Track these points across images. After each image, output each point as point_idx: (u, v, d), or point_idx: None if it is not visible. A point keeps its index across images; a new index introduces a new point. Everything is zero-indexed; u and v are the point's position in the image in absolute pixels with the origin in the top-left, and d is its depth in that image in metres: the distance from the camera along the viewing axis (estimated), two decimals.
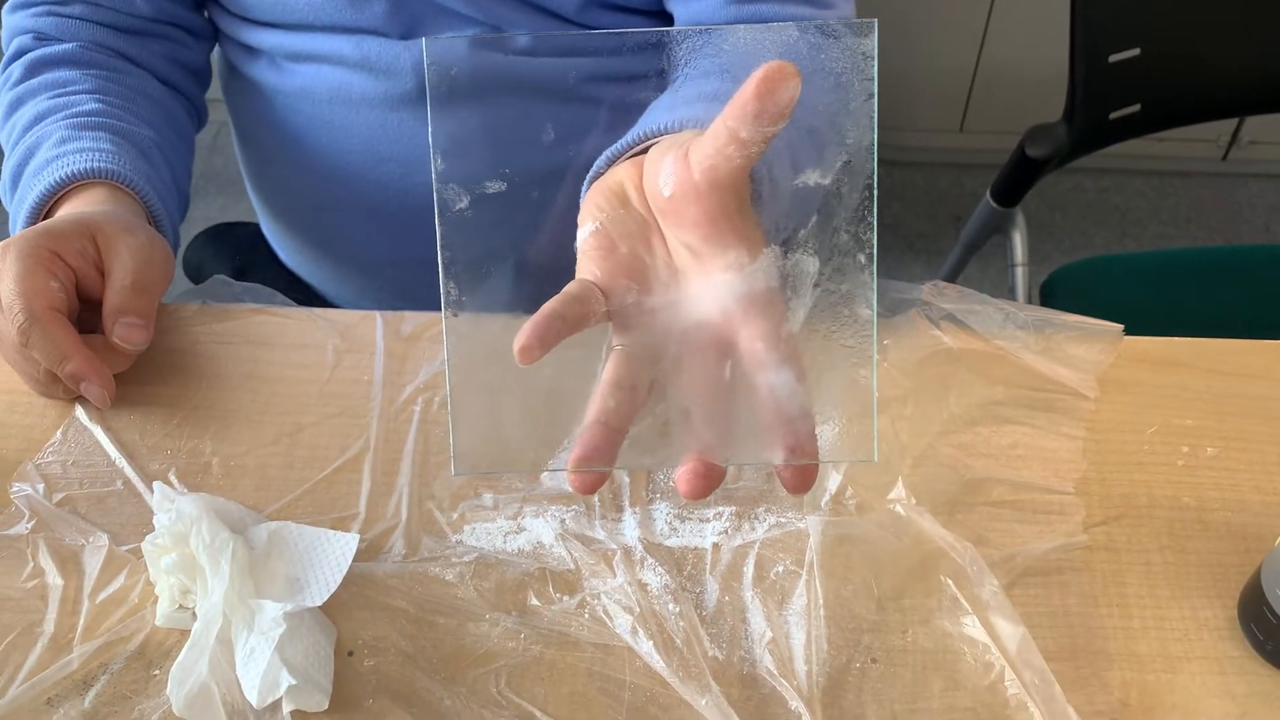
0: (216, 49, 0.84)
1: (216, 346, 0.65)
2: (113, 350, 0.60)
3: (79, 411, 0.61)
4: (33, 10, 0.76)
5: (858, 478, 0.58)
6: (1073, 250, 1.77)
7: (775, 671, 0.52)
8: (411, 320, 0.66)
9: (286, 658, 0.49)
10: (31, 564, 0.55)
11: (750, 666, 0.52)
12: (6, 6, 0.77)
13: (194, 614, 0.52)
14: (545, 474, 0.58)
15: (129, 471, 0.59)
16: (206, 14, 0.82)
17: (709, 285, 0.45)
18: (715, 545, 0.56)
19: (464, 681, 0.52)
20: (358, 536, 0.54)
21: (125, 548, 0.56)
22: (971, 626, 0.53)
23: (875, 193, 0.44)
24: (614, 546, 0.56)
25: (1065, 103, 1.05)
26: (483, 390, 0.47)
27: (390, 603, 0.54)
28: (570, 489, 0.44)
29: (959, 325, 0.64)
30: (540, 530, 0.57)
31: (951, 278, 1.27)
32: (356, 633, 0.53)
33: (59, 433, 0.61)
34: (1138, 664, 0.52)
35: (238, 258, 0.96)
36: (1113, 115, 1.07)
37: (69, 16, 0.75)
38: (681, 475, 0.42)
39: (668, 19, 0.75)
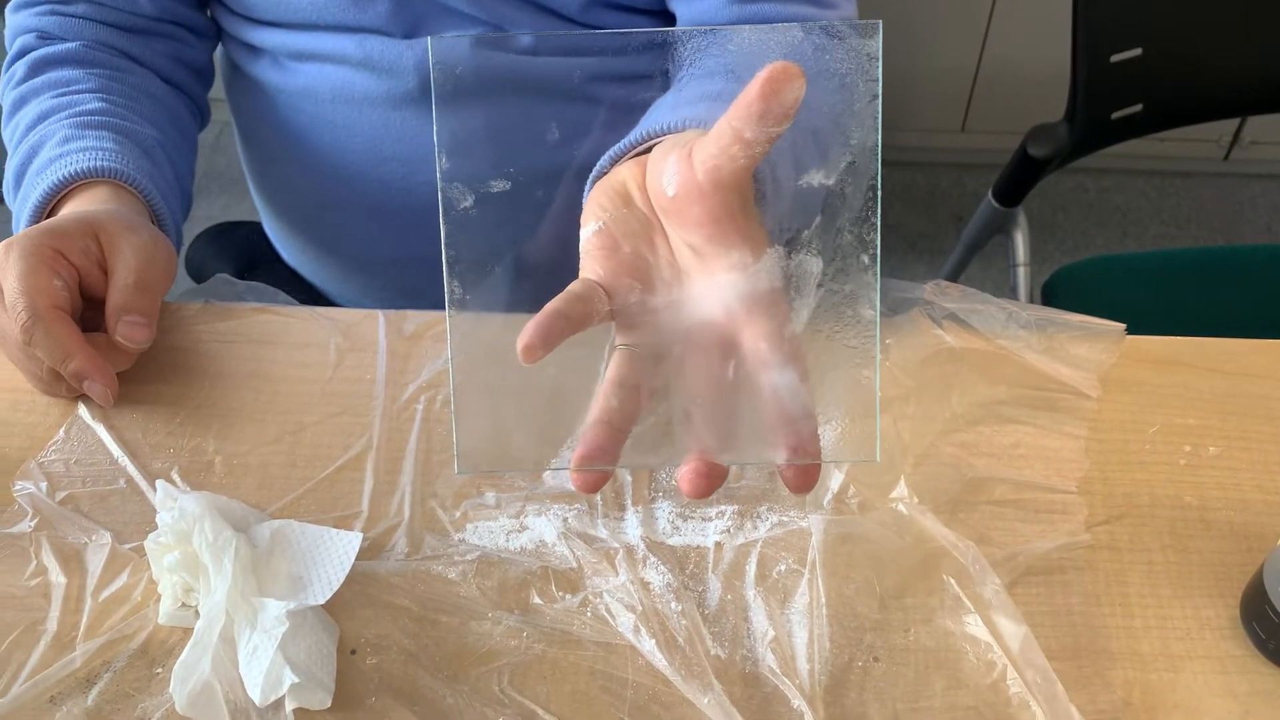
0: (219, 48, 0.84)
1: (219, 345, 0.65)
2: (115, 349, 0.61)
3: (82, 410, 0.62)
4: (36, 9, 0.76)
5: (860, 476, 0.58)
6: (1074, 250, 1.77)
7: (777, 670, 0.52)
8: (414, 319, 0.66)
9: (289, 656, 0.49)
10: (34, 562, 0.55)
11: (752, 665, 0.52)
12: (10, 5, 0.77)
13: (197, 612, 0.52)
14: (548, 473, 0.58)
15: (132, 470, 0.59)
16: (209, 13, 0.82)
17: (712, 285, 0.45)
18: (718, 544, 0.56)
19: (466, 680, 0.52)
20: (360, 535, 0.54)
21: (128, 546, 0.56)
22: (974, 625, 0.53)
23: (879, 193, 0.44)
24: (616, 545, 0.56)
25: (1067, 103, 1.05)
26: (486, 389, 0.47)
27: (393, 601, 0.54)
28: (573, 488, 0.44)
29: (961, 324, 0.64)
30: (543, 529, 0.57)
31: (953, 277, 1.27)
32: (359, 631, 0.53)
33: (62, 431, 0.61)
34: (1140, 663, 0.52)
35: (240, 257, 0.96)
36: (1114, 115, 1.07)
37: (72, 15, 0.75)
38: (684, 475, 0.42)
39: (670, 19, 0.75)
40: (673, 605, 0.54)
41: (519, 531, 0.57)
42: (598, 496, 0.58)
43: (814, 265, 0.45)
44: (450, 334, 0.47)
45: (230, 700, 0.50)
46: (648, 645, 0.52)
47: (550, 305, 0.44)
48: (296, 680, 0.49)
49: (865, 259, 0.45)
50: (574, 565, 0.55)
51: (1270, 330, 0.69)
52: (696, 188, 0.43)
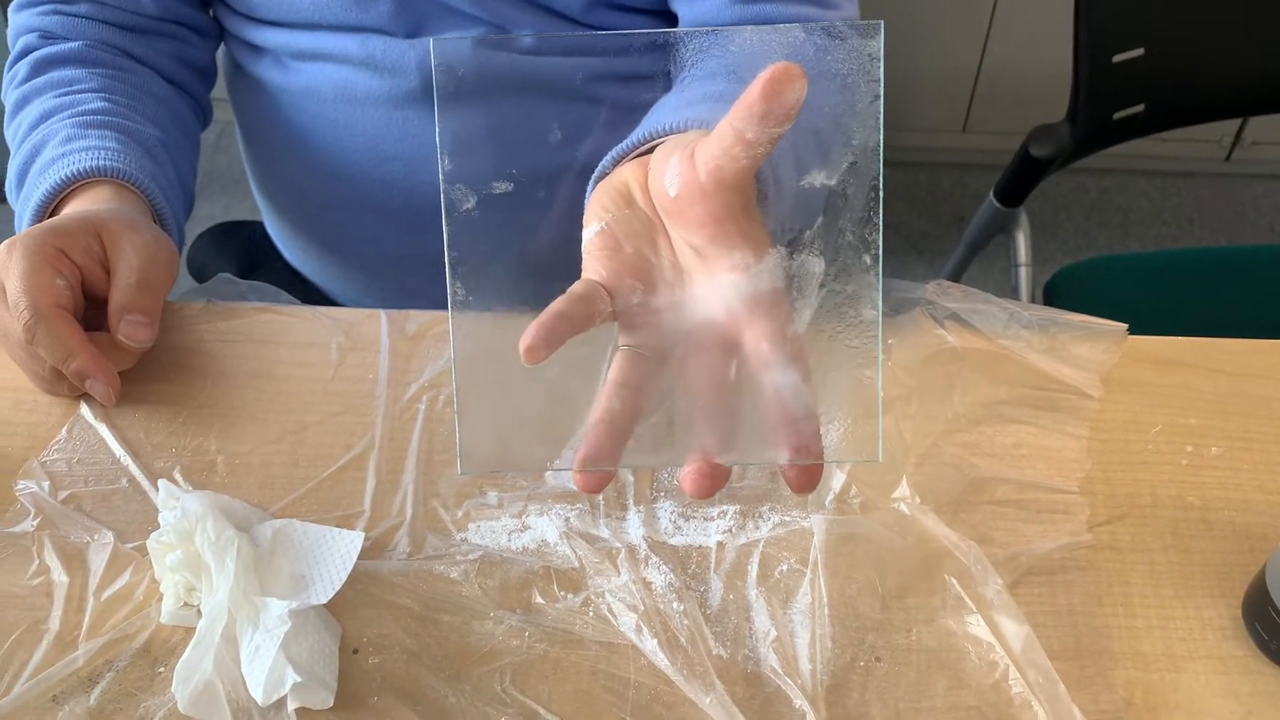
0: (222, 48, 0.85)
1: (221, 345, 0.65)
2: (118, 348, 0.61)
3: (84, 409, 0.62)
4: (39, 9, 0.76)
5: (862, 476, 0.58)
6: (1076, 250, 1.77)
7: (779, 670, 0.52)
8: (416, 318, 0.66)
9: (291, 655, 0.49)
10: (37, 561, 0.55)
11: (754, 665, 0.52)
12: (13, 5, 0.77)
13: (199, 611, 0.52)
14: (550, 473, 0.58)
15: (134, 469, 0.59)
16: (212, 13, 0.82)
17: (714, 286, 0.45)
18: (719, 544, 0.56)
19: (468, 679, 0.52)
20: (362, 534, 0.54)
21: (130, 545, 0.56)
22: (976, 625, 0.53)
23: (881, 194, 0.44)
24: (618, 545, 0.56)
25: (1068, 103, 1.05)
26: (488, 389, 0.47)
27: (395, 600, 0.54)
28: (575, 488, 0.44)
29: (963, 324, 0.64)
30: (545, 528, 0.57)
31: (955, 278, 1.27)
32: (361, 630, 0.53)
33: (64, 430, 0.61)
34: (1142, 663, 0.52)
35: (242, 256, 0.96)
36: (1116, 115, 1.07)
37: (75, 15, 0.75)
38: (686, 475, 0.43)
39: (672, 19, 0.75)
40: (675, 605, 0.54)
41: (521, 531, 0.57)
42: (600, 496, 0.58)
43: (816, 266, 0.45)
44: (453, 335, 0.47)
45: (232, 700, 0.50)
46: (650, 645, 0.52)
47: (552, 306, 0.44)
48: (299, 680, 0.49)
49: (867, 259, 0.45)
50: (576, 565, 0.56)
51: (1272, 330, 0.69)
52: (698, 188, 0.43)
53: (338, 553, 0.53)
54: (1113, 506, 0.58)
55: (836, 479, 0.58)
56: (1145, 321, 0.65)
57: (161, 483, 0.56)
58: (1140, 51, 1.02)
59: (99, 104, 0.71)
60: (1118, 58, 1.02)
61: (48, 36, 0.75)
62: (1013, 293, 1.18)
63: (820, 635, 0.53)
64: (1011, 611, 0.53)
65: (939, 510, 0.57)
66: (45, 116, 0.70)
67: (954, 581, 0.54)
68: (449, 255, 0.46)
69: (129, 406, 0.62)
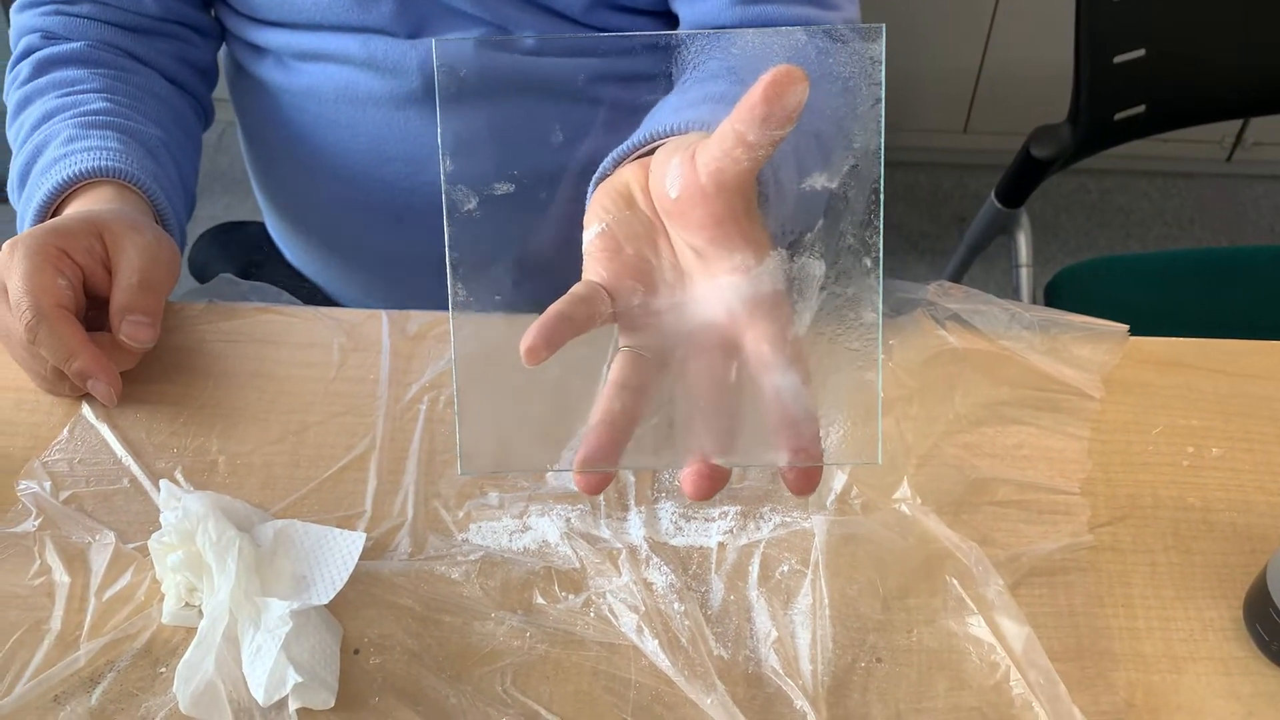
0: (223, 48, 0.85)
1: (223, 345, 0.65)
2: (119, 348, 0.61)
3: (86, 409, 0.62)
4: (41, 9, 0.76)
5: (863, 477, 0.58)
6: (1077, 251, 1.77)
7: (780, 671, 0.52)
8: (417, 319, 0.66)
9: (293, 655, 0.49)
10: (38, 561, 0.55)
11: (755, 666, 0.52)
12: (15, 5, 0.77)
13: (200, 612, 0.52)
14: (550, 473, 0.58)
15: (135, 469, 0.59)
16: (214, 13, 0.82)
17: (715, 287, 0.45)
18: (720, 544, 0.56)
19: (469, 680, 0.52)
20: (364, 535, 0.54)
21: (132, 545, 0.56)
22: (977, 626, 0.53)
23: (882, 197, 0.44)
24: (619, 545, 0.56)
25: (1070, 103, 1.05)
26: (489, 390, 0.47)
27: (396, 601, 0.54)
28: (576, 488, 0.44)
29: (964, 325, 0.64)
30: (546, 529, 0.57)
31: (956, 278, 1.27)
32: (362, 631, 0.53)
33: (66, 430, 0.61)
34: (1143, 664, 0.52)
35: (243, 256, 0.96)
36: (1117, 116, 1.07)
37: (77, 15, 0.75)
38: (686, 476, 0.43)
39: (673, 19, 0.75)
40: (676, 606, 0.54)
41: (522, 532, 0.57)
42: (600, 497, 0.58)
43: (816, 268, 0.45)
44: (453, 336, 0.47)
45: (234, 700, 0.50)
46: (651, 646, 0.53)
47: (553, 307, 0.44)
48: (300, 680, 0.49)
49: (868, 262, 0.45)
50: (577, 565, 0.56)
51: (1273, 331, 0.69)
52: (699, 190, 0.43)
53: (339, 553, 0.53)
54: (1114, 507, 0.58)
55: (838, 480, 0.58)
56: (1146, 322, 0.65)
57: (163, 483, 0.56)
58: (1141, 52, 1.02)
59: (101, 104, 0.71)
60: (1119, 58, 1.02)
61: (50, 37, 0.75)
62: (1014, 293, 1.18)
63: (821, 636, 0.53)
64: (1012, 612, 0.53)
65: (940, 511, 0.57)
66: (47, 117, 0.71)
67: (955, 582, 0.54)
68: (450, 256, 0.46)
69: (130, 407, 0.62)
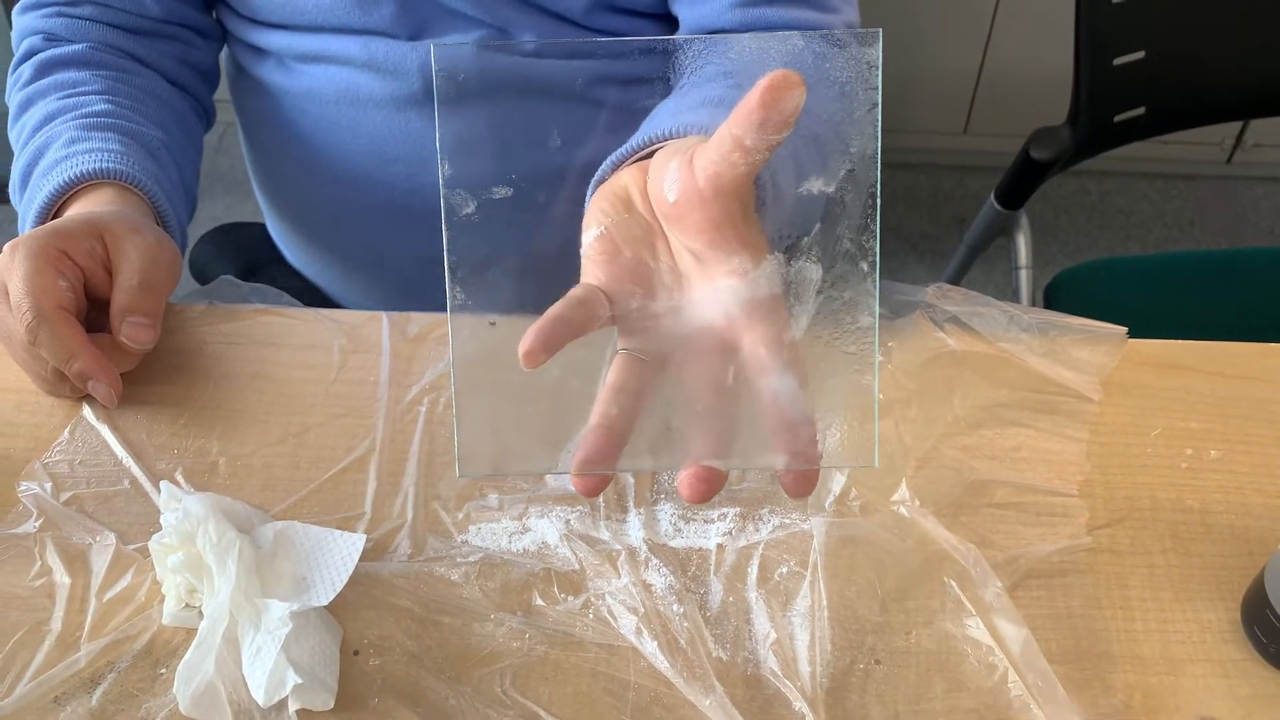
0: (225, 50, 0.85)
1: (223, 346, 0.65)
2: (120, 349, 0.61)
3: (86, 411, 0.62)
4: (43, 11, 0.76)
5: (862, 479, 0.58)
6: (1076, 253, 1.77)
7: (779, 672, 0.52)
8: (417, 321, 0.66)
9: (292, 657, 0.49)
10: (39, 563, 0.56)
11: (754, 667, 0.52)
12: (17, 8, 0.78)
13: (200, 613, 0.52)
14: (550, 475, 0.58)
15: (136, 471, 0.59)
16: (215, 15, 0.82)
17: (713, 290, 0.45)
18: (719, 546, 0.56)
19: (469, 681, 0.52)
20: (364, 536, 0.54)
21: (132, 547, 0.56)
22: (975, 628, 0.53)
23: (878, 201, 0.44)
24: (619, 547, 0.56)
25: (1070, 105, 1.05)
26: (488, 393, 0.47)
27: (396, 602, 0.54)
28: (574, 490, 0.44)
29: (963, 328, 0.64)
30: (545, 531, 0.57)
31: (955, 280, 1.27)
32: (362, 632, 0.54)
33: (66, 432, 0.61)
34: (1141, 666, 0.53)
35: (244, 258, 0.96)
36: (1117, 118, 1.07)
37: (79, 18, 0.76)
38: (684, 479, 0.43)
39: (673, 21, 0.75)
40: (675, 607, 0.54)
41: (521, 533, 0.57)
42: (600, 499, 0.58)
43: (813, 272, 0.45)
44: (451, 339, 0.47)
45: (234, 701, 0.50)
46: (650, 647, 0.53)
47: (551, 310, 0.44)
48: (300, 681, 0.49)
49: (864, 266, 0.45)
50: (576, 567, 0.56)
51: (1272, 333, 0.69)
52: (697, 194, 0.44)
53: (339, 555, 0.54)
54: (1112, 510, 0.58)
55: (836, 482, 0.58)
56: (1146, 324, 0.65)
57: (163, 484, 0.56)
58: (1141, 54, 1.02)
59: (102, 106, 0.71)
60: (1118, 60, 1.02)
61: (52, 39, 0.76)
62: (1013, 295, 1.18)
63: (820, 638, 0.53)
64: (1010, 614, 0.53)
65: (938, 513, 0.57)
66: (49, 119, 0.71)
67: (953, 584, 0.55)
68: (448, 259, 0.46)
69: (131, 408, 0.62)
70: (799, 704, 0.51)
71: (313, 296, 0.91)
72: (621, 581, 0.55)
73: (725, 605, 0.54)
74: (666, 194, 0.45)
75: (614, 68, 0.55)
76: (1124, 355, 0.64)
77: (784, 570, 0.56)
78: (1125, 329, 0.64)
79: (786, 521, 0.57)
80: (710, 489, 0.42)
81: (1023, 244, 1.18)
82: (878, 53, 0.43)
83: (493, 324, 0.47)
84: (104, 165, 0.66)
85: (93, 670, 0.52)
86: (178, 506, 0.53)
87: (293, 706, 0.50)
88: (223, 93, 0.85)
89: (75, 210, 0.65)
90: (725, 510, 0.58)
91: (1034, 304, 1.19)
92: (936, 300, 0.64)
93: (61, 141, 0.68)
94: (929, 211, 1.83)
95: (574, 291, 0.46)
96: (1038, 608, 0.54)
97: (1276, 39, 1.05)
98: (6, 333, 0.60)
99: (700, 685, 0.51)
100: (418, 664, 0.53)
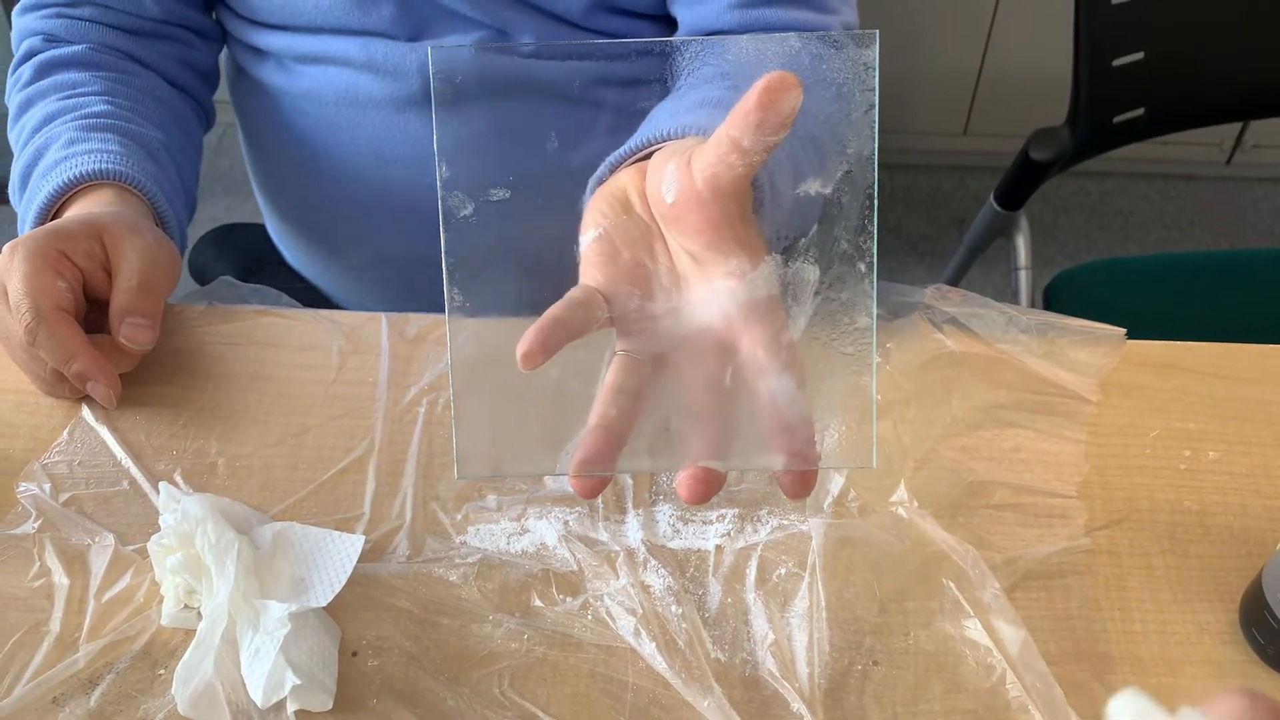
0: (224, 51, 0.85)
1: (222, 347, 0.65)
2: (119, 350, 0.61)
3: (85, 412, 0.62)
4: (42, 12, 0.76)
5: (860, 480, 0.58)
6: (1076, 254, 1.77)
7: (777, 673, 0.52)
8: (416, 322, 0.66)
9: (291, 658, 0.49)
10: (38, 563, 0.56)
11: (752, 668, 0.53)
12: (17, 9, 0.78)
13: (199, 614, 0.52)
14: (548, 476, 0.58)
15: (135, 472, 0.59)
16: (215, 16, 0.82)
17: (711, 292, 0.45)
18: (718, 547, 0.57)
19: (467, 682, 0.52)
20: (362, 537, 0.54)
21: (131, 548, 0.56)
22: (973, 629, 0.53)
23: (875, 203, 0.45)
24: (617, 548, 0.56)
25: (1069, 106, 1.05)
26: (486, 394, 0.47)
27: (394, 603, 0.54)
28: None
29: (962, 329, 0.64)
30: (544, 532, 0.57)
31: (954, 281, 1.27)
32: (360, 633, 0.54)
33: (65, 433, 0.61)
34: (1139, 668, 0.53)
35: (243, 258, 0.96)
36: (1116, 119, 1.07)
37: (78, 19, 0.76)
38: (682, 480, 0.43)
39: (673, 22, 0.75)
40: (673, 608, 0.54)
41: (520, 534, 0.57)
42: (598, 500, 0.58)
43: (811, 273, 0.45)
44: (450, 340, 0.47)
45: (232, 702, 0.50)
46: (648, 648, 0.53)
47: (550, 312, 0.44)
48: (298, 682, 0.49)
49: (862, 267, 0.45)
50: (575, 568, 0.56)
51: (1272, 335, 0.69)
52: (695, 195, 0.44)
53: (337, 556, 0.54)
54: (1110, 511, 0.58)
55: (835, 483, 0.58)
56: (1146, 325, 0.65)
57: (162, 485, 0.56)
58: (1140, 55, 1.02)
59: (102, 107, 0.71)
60: (1118, 61, 1.02)
61: (51, 40, 0.76)
62: (1013, 296, 1.18)
63: (818, 639, 0.53)
64: (1009, 616, 0.53)
65: (937, 514, 0.57)
66: (48, 119, 0.71)
67: (951, 585, 0.55)
68: (446, 261, 0.46)
69: (130, 409, 0.62)
70: (797, 705, 0.51)
71: (312, 297, 0.91)
72: (620, 582, 0.55)
73: (724, 606, 0.55)
74: (664, 195, 0.45)
75: (612, 69, 0.55)
76: (1122, 356, 0.64)
77: (782, 571, 0.56)
78: (1124, 330, 0.64)
79: (785, 523, 0.57)
80: (708, 490, 0.43)
81: (1022, 245, 1.18)
82: (875, 54, 0.44)
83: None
84: (103, 166, 0.66)
85: (91, 671, 0.52)
86: (176, 507, 0.54)
87: (291, 707, 0.50)
88: (222, 93, 0.85)
89: (74, 211, 0.65)
90: (724, 511, 0.58)
91: (1033, 305, 1.19)
92: (935, 301, 0.64)
93: (61, 142, 0.68)
94: (928, 212, 1.83)
95: (572, 293, 0.46)
96: (1036, 609, 0.54)
97: (1276, 40, 1.05)
98: (5, 333, 0.60)
99: (698, 686, 0.51)
100: (416, 665, 0.53)
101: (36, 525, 0.57)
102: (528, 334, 0.42)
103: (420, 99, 0.76)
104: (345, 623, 0.54)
